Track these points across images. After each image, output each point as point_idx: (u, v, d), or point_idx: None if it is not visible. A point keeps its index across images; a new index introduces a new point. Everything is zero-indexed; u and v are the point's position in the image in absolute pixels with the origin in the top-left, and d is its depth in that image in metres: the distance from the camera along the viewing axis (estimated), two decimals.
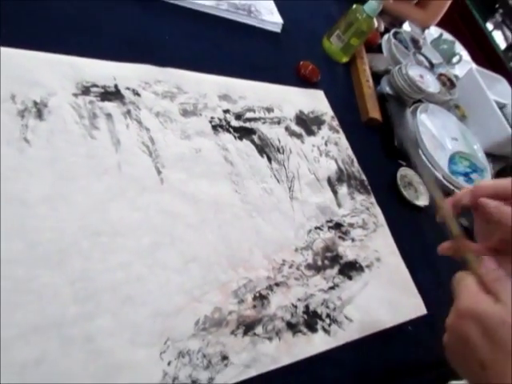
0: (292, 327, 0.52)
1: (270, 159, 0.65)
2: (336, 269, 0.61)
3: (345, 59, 0.94)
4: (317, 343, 0.53)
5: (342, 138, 0.78)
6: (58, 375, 0.37)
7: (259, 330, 0.50)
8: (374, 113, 0.87)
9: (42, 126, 0.46)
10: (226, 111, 0.64)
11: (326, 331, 0.54)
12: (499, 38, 2.55)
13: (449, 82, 1.11)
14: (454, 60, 1.26)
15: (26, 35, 0.51)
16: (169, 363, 0.42)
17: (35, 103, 0.47)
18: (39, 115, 0.47)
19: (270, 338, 0.50)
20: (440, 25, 1.46)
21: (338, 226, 0.66)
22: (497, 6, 2.54)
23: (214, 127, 0.61)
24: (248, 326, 0.49)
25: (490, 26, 2.57)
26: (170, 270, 0.47)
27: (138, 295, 0.44)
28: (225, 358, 0.46)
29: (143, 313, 0.43)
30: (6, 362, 0.35)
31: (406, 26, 1.28)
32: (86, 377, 0.38)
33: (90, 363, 0.39)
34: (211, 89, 0.65)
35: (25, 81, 0.48)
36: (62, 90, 0.50)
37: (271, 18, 0.84)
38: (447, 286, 0.74)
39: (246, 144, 0.63)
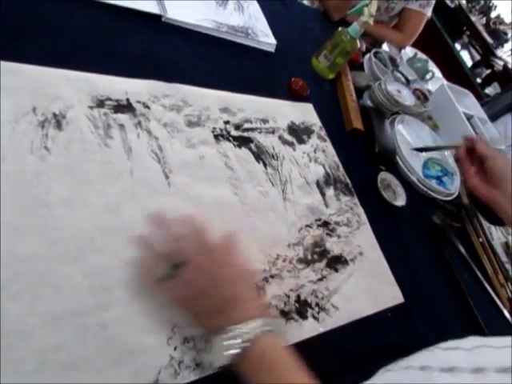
0: (285, 315, 0.52)
1: (265, 165, 0.64)
2: (324, 262, 0.61)
3: (331, 76, 0.94)
4: (307, 329, 0.52)
5: (328, 145, 0.78)
6: (76, 360, 0.37)
7: None
8: (357, 123, 0.87)
9: (60, 135, 0.46)
10: (227, 122, 0.64)
11: (315, 318, 0.54)
12: (466, 57, 2.57)
13: (423, 96, 1.11)
14: (427, 76, 1.26)
15: (47, 54, 0.50)
16: (175, 348, 0.42)
17: (54, 115, 0.46)
18: (58, 126, 0.46)
19: None
20: (414, 45, 1.46)
21: (325, 224, 0.65)
22: (464, 28, 2.56)
23: (216, 136, 0.61)
24: None
25: (458, 46, 2.58)
26: None
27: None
28: None
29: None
30: (28, 350, 0.35)
31: (385, 47, 1.28)
32: (101, 361, 0.38)
33: (105, 349, 0.38)
34: (213, 102, 0.64)
35: (45, 95, 0.47)
36: (79, 103, 0.49)
37: (266, 40, 0.84)
38: (421, 277, 0.75)
39: (244, 151, 0.63)
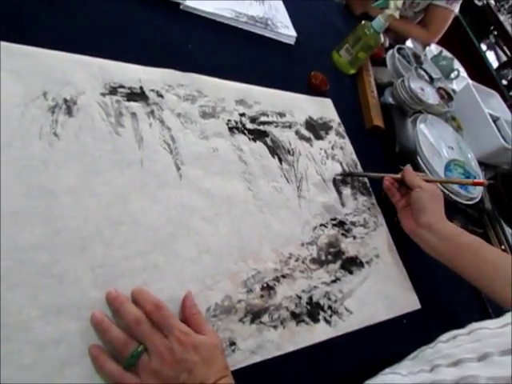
0: (296, 317, 0.49)
1: (280, 160, 0.62)
2: (338, 263, 0.58)
3: (352, 71, 0.90)
4: (318, 333, 0.50)
5: (347, 143, 0.75)
6: (77, 355, 0.35)
7: (265, 318, 0.47)
8: (378, 121, 0.84)
9: (70, 121, 0.44)
10: (242, 115, 0.61)
11: (328, 321, 0.51)
12: (492, 58, 2.47)
13: (447, 96, 1.06)
14: (453, 75, 1.20)
15: (60, 38, 0.49)
16: None
17: (65, 100, 0.45)
18: (69, 112, 0.44)
19: (275, 327, 0.47)
20: (438, 43, 1.41)
21: (341, 224, 0.62)
22: (491, 28, 2.46)
23: (231, 129, 0.59)
24: (255, 314, 0.46)
25: (484, 46, 2.49)
26: (184, 260, 0.45)
27: (154, 282, 0.42)
28: (232, 343, 0.43)
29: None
30: (27, 342, 0.33)
31: (409, 43, 1.23)
32: None
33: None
34: (229, 94, 0.62)
35: (57, 79, 0.45)
36: (91, 90, 0.47)
37: (286, 31, 0.81)
38: (440, 283, 0.71)
39: (259, 145, 0.60)
